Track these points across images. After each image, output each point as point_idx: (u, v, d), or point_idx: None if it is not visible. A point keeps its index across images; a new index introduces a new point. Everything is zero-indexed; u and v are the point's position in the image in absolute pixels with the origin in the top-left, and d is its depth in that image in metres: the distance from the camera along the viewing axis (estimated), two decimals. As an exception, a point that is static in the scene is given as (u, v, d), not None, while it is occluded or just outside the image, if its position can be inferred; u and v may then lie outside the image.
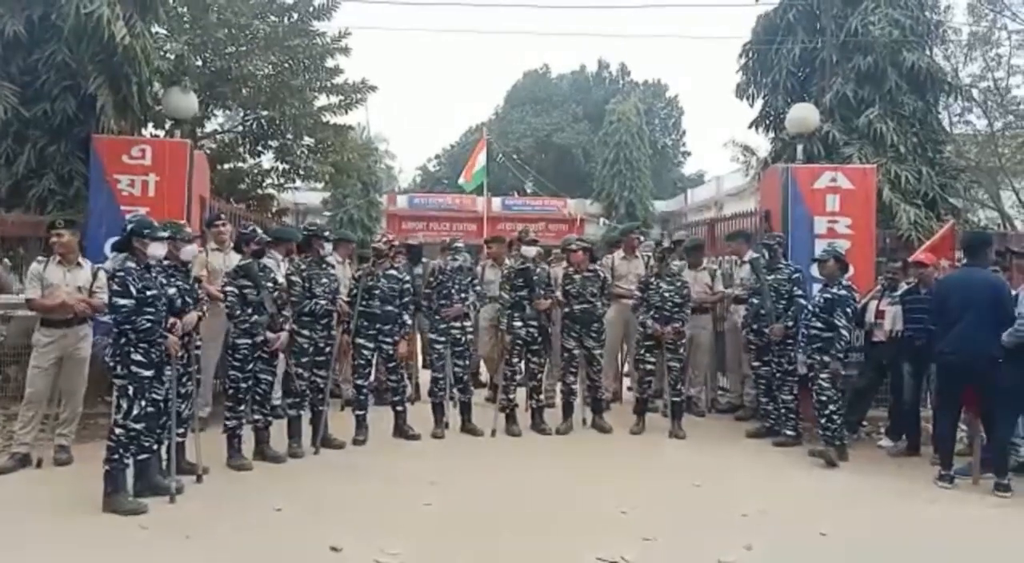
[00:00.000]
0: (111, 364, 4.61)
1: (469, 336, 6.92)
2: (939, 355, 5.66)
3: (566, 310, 6.99)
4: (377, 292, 6.38)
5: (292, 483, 5.22)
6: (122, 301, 4.51)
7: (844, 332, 6.11)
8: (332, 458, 5.90)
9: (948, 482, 5.47)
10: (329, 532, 4.21)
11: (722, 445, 6.62)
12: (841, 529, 4.52)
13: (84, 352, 5.52)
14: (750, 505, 4.87)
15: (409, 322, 6.69)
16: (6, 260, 7.54)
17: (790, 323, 6.58)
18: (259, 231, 5.88)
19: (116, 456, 4.49)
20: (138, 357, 4.55)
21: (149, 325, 4.55)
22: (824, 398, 6.13)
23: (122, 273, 4.56)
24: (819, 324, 6.21)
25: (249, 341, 5.52)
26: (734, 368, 8.02)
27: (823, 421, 6.17)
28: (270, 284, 5.66)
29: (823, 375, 6.14)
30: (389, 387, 6.64)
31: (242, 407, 5.56)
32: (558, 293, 7.02)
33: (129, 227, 4.73)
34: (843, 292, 6.20)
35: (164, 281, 4.80)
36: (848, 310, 6.13)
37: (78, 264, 5.54)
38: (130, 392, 4.53)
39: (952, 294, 5.59)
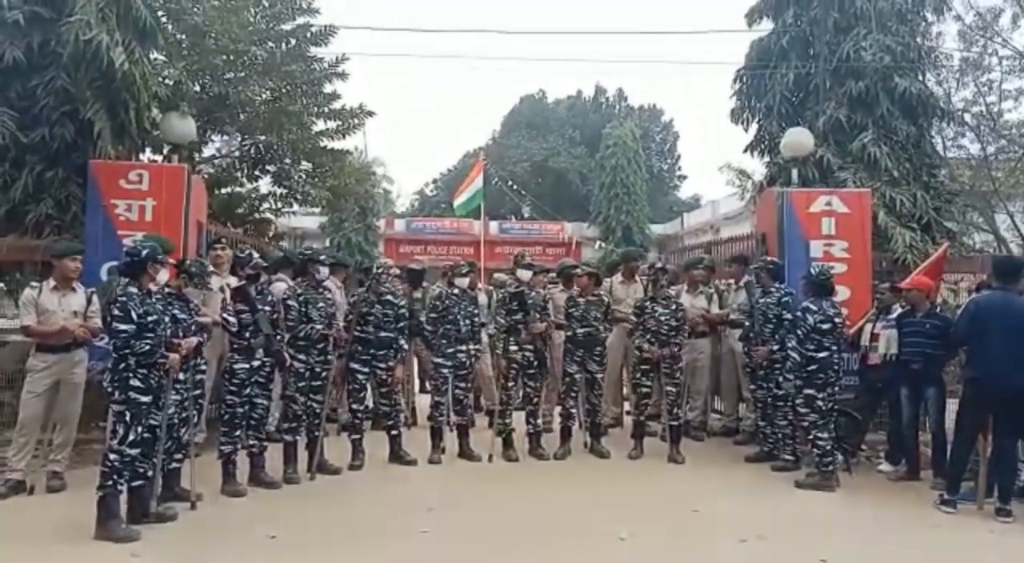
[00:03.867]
0: (109, 390, 4.57)
1: (474, 360, 6.90)
2: (977, 381, 5.47)
3: (568, 334, 6.98)
4: (372, 318, 6.35)
5: (287, 509, 5.17)
6: (123, 326, 4.49)
7: (793, 354, 6.07)
8: (328, 484, 5.85)
9: (952, 507, 5.42)
10: (324, 559, 4.16)
11: (721, 469, 6.58)
12: (841, 555, 4.48)
13: (79, 377, 5.50)
14: (749, 530, 4.83)
15: (405, 347, 6.64)
16: (1, 284, 7.51)
17: (775, 347, 6.55)
18: (255, 255, 5.88)
19: (110, 482, 4.45)
20: (137, 383, 4.53)
21: (148, 348, 4.53)
22: (805, 423, 6.10)
23: (123, 298, 4.56)
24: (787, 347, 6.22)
25: (246, 365, 5.50)
26: (729, 391, 7.99)
27: (809, 446, 6.15)
28: (268, 307, 5.65)
29: (798, 399, 6.12)
30: (383, 412, 6.60)
31: (238, 432, 5.53)
32: (552, 316, 7.01)
33: (144, 252, 4.70)
34: (798, 313, 6.19)
35: (161, 308, 4.79)
36: (799, 332, 6.06)
37: (72, 288, 5.53)
38: (127, 418, 4.49)
39: (992, 319, 5.39)
